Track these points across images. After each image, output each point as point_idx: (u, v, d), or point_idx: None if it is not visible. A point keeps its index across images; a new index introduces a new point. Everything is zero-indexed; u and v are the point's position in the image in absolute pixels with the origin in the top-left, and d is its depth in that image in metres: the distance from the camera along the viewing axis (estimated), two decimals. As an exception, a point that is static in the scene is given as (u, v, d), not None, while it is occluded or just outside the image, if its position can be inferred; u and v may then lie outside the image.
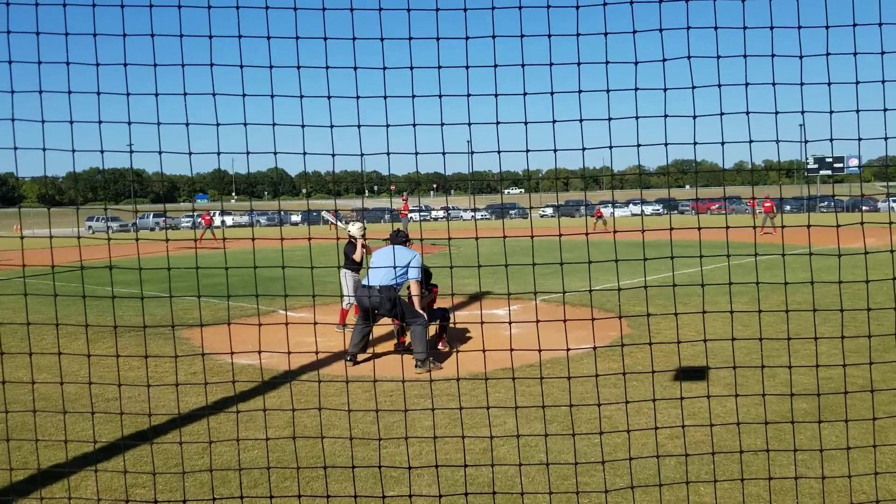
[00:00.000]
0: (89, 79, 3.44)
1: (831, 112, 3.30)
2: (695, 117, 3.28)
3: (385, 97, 3.34)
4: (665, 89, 3.31)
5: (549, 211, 77.84)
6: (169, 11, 3.43)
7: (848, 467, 4.61)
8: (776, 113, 3.32)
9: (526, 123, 3.37)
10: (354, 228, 10.17)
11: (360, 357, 8.52)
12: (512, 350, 3.28)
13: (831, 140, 3.36)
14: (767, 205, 32.33)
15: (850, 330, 8.39)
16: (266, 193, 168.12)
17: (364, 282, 8.37)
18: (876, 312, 4.34)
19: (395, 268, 8.12)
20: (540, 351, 3.61)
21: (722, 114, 3.31)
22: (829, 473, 4.65)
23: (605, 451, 5.12)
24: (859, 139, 3.31)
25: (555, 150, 3.40)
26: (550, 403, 6.33)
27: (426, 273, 8.95)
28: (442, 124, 3.35)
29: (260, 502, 4.61)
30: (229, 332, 4.41)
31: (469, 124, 3.40)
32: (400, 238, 8.78)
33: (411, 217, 26.96)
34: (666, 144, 3.32)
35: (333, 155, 3.48)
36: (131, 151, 3.34)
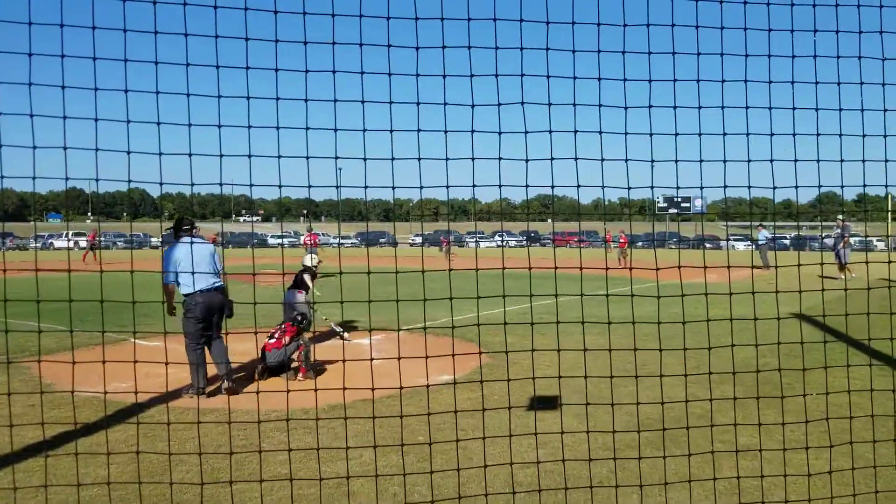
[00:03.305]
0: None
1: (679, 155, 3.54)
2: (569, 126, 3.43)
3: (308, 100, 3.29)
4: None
5: (419, 240, 78.65)
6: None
7: (690, 497, 4.87)
8: (628, 133, 3.52)
9: (418, 132, 3.40)
10: (309, 260, 11.66)
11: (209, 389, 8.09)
12: (373, 379, 3.25)
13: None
14: (622, 241, 34.05)
15: (691, 362, 8.89)
16: (125, 214, 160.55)
17: (193, 287, 7.86)
18: (716, 348, 4.67)
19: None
20: (401, 389, 3.60)
21: (576, 130, 3.47)
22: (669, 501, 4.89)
23: (461, 482, 5.16)
24: (711, 157, 3.55)
25: (446, 160, 3.45)
26: (409, 433, 6.33)
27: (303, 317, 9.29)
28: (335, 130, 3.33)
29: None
30: (73, 361, 4.14)
31: (366, 128, 3.40)
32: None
33: (313, 251, 26.01)
34: (551, 160, 3.44)
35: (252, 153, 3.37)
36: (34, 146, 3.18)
